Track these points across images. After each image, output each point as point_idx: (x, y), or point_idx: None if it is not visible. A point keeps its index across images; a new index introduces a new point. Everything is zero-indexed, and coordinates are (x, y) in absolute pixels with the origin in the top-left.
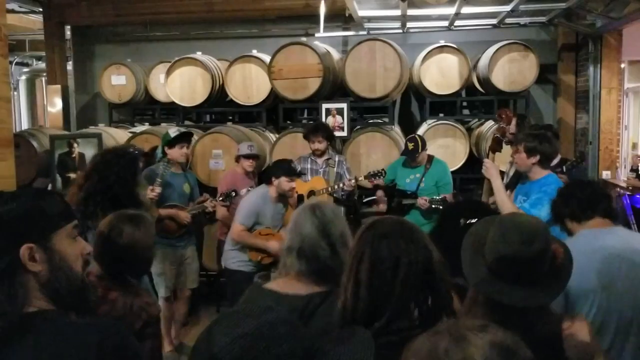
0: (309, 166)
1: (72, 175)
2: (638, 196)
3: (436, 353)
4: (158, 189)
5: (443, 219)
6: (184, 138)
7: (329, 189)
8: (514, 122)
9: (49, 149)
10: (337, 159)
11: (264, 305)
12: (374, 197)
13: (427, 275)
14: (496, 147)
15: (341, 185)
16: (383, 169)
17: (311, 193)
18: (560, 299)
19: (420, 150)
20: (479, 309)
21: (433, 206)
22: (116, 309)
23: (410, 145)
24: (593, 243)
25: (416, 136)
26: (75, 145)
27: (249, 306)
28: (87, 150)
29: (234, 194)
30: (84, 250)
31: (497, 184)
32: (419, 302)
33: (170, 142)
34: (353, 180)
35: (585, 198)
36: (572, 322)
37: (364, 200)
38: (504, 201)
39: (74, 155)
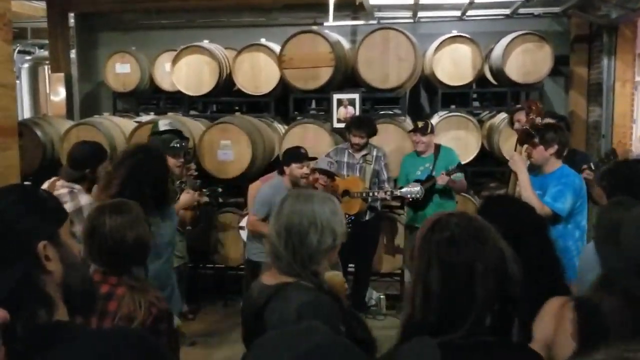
0: (345, 160)
1: None
2: None
3: None
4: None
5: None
6: (175, 135)
7: (364, 194)
8: (523, 114)
9: (52, 138)
10: (375, 154)
11: (310, 326)
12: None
13: (502, 278)
14: (526, 139)
15: (376, 194)
16: (420, 187)
17: (345, 193)
18: None
19: (429, 131)
20: (613, 298)
21: (452, 177)
22: (124, 305)
23: (420, 123)
24: None
25: (427, 120)
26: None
27: (301, 327)
28: None
29: (220, 189)
30: (78, 248)
31: (524, 179)
32: (494, 309)
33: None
34: (388, 193)
35: None
36: None
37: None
38: (531, 197)
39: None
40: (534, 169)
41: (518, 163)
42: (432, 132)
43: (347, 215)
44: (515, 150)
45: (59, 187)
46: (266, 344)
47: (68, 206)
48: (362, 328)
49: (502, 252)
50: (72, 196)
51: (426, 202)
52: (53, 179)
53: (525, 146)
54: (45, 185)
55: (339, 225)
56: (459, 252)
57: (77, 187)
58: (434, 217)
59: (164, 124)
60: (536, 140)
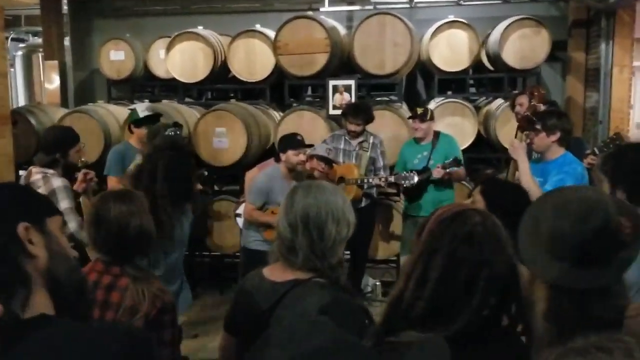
0: (341, 146)
1: None
2: None
3: None
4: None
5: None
6: (153, 119)
7: (359, 181)
8: (525, 99)
9: (46, 126)
10: (372, 141)
11: (318, 323)
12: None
13: (507, 289)
14: (527, 126)
15: (371, 180)
16: (414, 172)
17: (341, 180)
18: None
19: (428, 118)
20: (539, 291)
21: (448, 170)
22: (127, 296)
23: (420, 110)
24: None
25: (427, 107)
26: None
27: (309, 322)
28: None
29: (206, 172)
30: (73, 253)
31: (524, 167)
32: (491, 310)
33: (138, 123)
34: (383, 179)
35: None
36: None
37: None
38: (530, 185)
39: None
40: (535, 157)
41: (518, 150)
42: (431, 119)
43: None
44: (515, 137)
45: (34, 174)
46: (273, 340)
47: (42, 190)
48: (372, 323)
49: (513, 264)
50: (45, 180)
51: (422, 191)
52: (30, 168)
53: (526, 132)
54: (22, 175)
55: (352, 215)
56: (470, 251)
57: (50, 171)
58: (457, 208)
59: (142, 111)
60: (538, 126)
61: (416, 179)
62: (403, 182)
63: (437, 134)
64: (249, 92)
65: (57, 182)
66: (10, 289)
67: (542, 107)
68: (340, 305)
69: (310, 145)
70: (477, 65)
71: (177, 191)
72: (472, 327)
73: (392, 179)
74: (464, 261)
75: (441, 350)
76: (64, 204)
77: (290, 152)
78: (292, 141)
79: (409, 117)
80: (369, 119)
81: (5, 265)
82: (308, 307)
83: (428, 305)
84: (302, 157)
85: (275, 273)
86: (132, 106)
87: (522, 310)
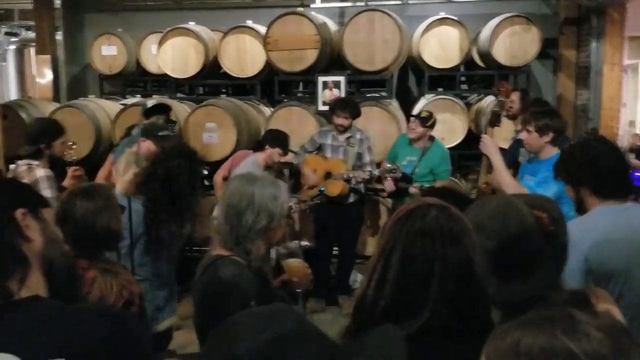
0: (329, 142)
1: None
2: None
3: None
4: None
5: None
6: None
7: (344, 175)
8: (516, 96)
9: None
10: (358, 137)
11: (285, 308)
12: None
13: (465, 281)
14: (495, 121)
15: (356, 175)
16: (398, 166)
17: (328, 175)
18: (580, 278)
19: (428, 124)
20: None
21: (421, 196)
22: (95, 288)
23: (425, 113)
24: (616, 220)
25: (433, 113)
26: None
27: (271, 309)
28: None
29: None
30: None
31: (497, 161)
32: (453, 306)
33: (147, 112)
34: (368, 173)
35: (620, 177)
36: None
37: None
38: (505, 179)
39: None
40: (530, 156)
41: (489, 146)
42: (431, 126)
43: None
44: (485, 132)
45: (20, 165)
46: (236, 324)
47: (25, 181)
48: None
49: (469, 255)
50: (29, 171)
51: (405, 193)
52: (17, 161)
53: (517, 129)
54: (11, 169)
55: (278, 209)
56: (422, 247)
57: (35, 162)
58: (415, 203)
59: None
60: (530, 127)
61: (399, 174)
62: (387, 174)
63: (431, 141)
64: (240, 87)
65: (40, 172)
66: (8, 268)
67: (511, 103)
68: (242, 277)
69: (294, 152)
70: (468, 62)
71: (192, 203)
72: (435, 323)
73: (376, 172)
74: (417, 257)
75: (396, 339)
76: (45, 193)
77: (277, 150)
78: (284, 142)
79: (411, 115)
80: (356, 113)
81: (3, 246)
82: (219, 276)
83: (389, 303)
84: (283, 159)
85: (213, 248)
86: (124, 101)
87: (477, 304)
